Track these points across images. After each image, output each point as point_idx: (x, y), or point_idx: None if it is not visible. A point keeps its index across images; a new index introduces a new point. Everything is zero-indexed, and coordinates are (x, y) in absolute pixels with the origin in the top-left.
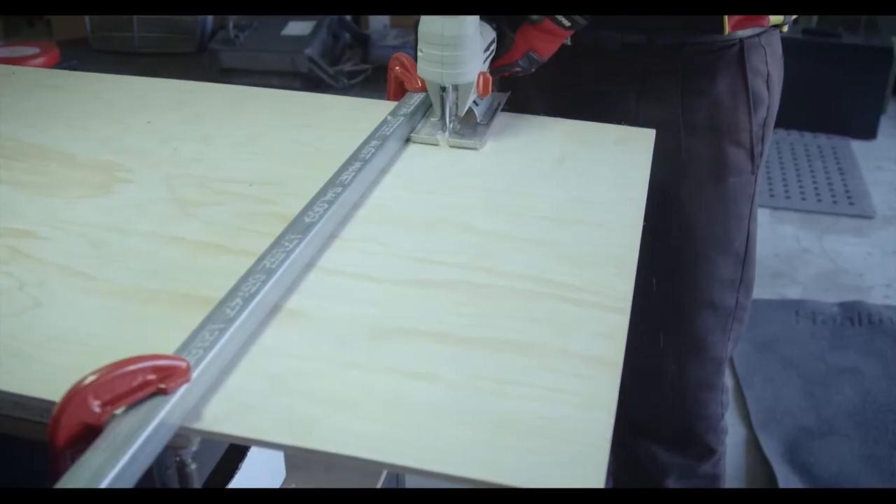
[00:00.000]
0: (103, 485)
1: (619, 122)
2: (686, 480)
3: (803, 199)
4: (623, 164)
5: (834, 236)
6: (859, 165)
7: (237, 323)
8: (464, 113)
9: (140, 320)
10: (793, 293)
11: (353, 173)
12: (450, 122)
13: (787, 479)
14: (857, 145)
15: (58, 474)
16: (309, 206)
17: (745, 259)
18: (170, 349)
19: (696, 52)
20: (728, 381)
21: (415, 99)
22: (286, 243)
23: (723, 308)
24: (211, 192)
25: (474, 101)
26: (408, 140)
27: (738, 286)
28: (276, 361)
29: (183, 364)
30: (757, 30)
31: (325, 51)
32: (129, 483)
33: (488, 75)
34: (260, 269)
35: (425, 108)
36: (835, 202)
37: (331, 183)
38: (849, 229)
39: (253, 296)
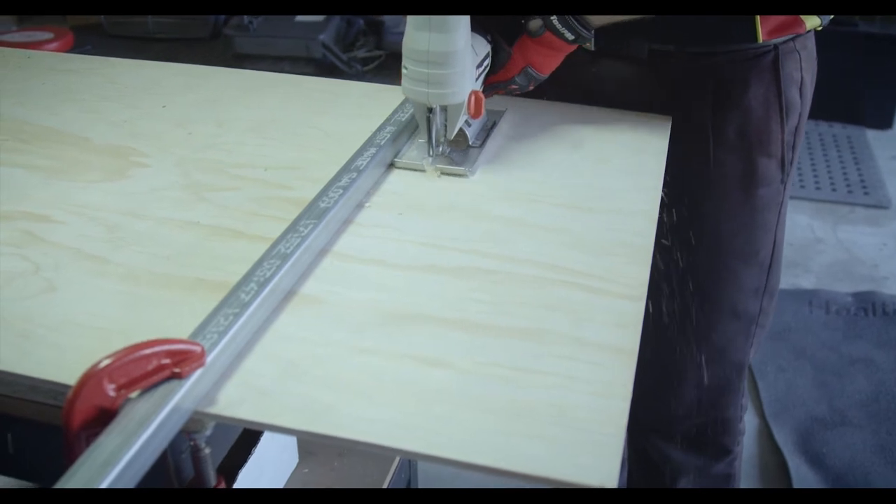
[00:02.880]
0: (118, 467)
1: None
2: (699, 480)
3: (818, 188)
4: (639, 152)
5: (848, 226)
6: (874, 155)
7: (252, 308)
8: (454, 135)
9: (154, 305)
10: (806, 283)
11: (367, 159)
12: (437, 146)
13: (799, 469)
14: (872, 135)
15: (72, 457)
16: (324, 191)
17: (770, 267)
18: (184, 334)
19: (727, 61)
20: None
21: None
22: (301, 228)
23: (746, 315)
24: (226, 177)
25: (466, 122)
26: (391, 165)
27: (763, 293)
28: (291, 346)
29: (198, 348)
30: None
31: (339, 37)
32: (143, 466)
33: (481, 94)
34: (275, 254)
35: (412, 128)
36: (849, 192)
37: (345, 168)
38: (863, 219)
39: (268, 281)
